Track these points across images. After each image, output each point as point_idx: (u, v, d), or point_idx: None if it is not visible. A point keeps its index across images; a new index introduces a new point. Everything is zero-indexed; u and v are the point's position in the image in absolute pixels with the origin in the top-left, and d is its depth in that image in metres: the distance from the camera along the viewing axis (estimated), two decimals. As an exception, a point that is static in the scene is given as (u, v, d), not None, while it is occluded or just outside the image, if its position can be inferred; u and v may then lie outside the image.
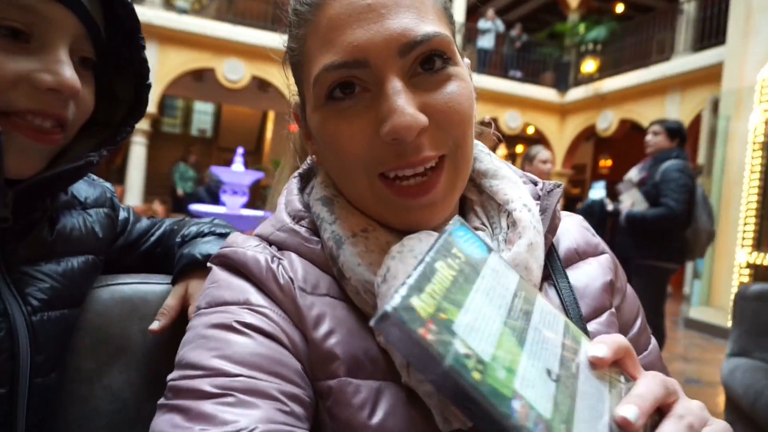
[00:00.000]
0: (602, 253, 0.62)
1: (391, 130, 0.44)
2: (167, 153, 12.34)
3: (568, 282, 0.55)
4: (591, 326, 0.54)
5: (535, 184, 0.60)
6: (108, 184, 0.83)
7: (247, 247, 0.52)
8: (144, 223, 0.86)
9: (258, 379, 0.42)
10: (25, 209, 0.62)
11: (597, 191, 3.72)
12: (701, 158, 7.05)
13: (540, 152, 3.61)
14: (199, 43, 9.06)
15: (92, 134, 0.67)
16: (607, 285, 0.58)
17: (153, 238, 0.83)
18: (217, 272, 0.53)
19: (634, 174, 3.40)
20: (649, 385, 0.34)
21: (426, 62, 0.47)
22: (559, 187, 0.58)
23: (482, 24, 10.94)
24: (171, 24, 8.86)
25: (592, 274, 0.59)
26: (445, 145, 0.48)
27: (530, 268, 0.49)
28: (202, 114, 14.55)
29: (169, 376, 0.44)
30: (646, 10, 11.19)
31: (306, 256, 0.53)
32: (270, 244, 0.55)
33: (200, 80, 10.79)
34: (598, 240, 0.63)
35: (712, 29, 8.16)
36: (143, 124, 9.02)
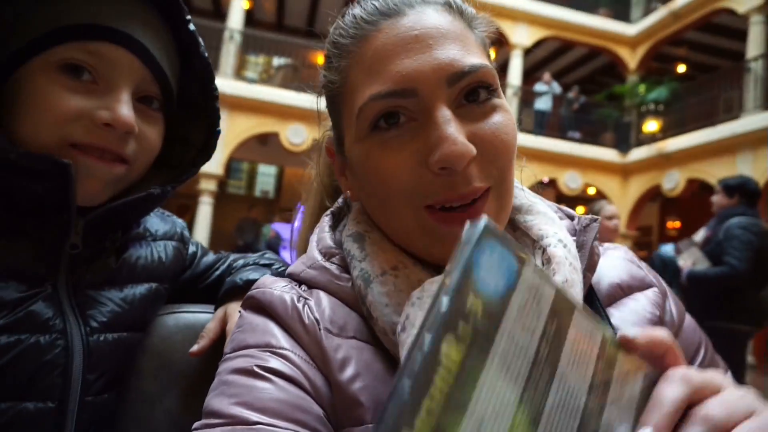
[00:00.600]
0: (649, 286, 0.59)
1: (442, 158, 0.43)
2: (232, 213, 12.91)
3: (611, 324, 0.52)
4: None
5: (572, 218, 0.58)
6: (180, 220, 0.88)
7: (275, 287, 0.52)
8: (210, 257, 0.89)
9: (277, 427, 0.41)
10: (94, 238, 0.67)
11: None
12: (780, 219, 6.61)
13: (604, 207, 3.50)
14: (265, 110, 9.61)
15: (162, 174, 0.73)
16: (654, 323, 0.55)
17: (217, 273, 0.86)
18: (244, 315, 0.53)
19: (700, 234, 3.30)
20: (666, 388, 0.31)
21: (471, 94, 0.47)
22: (595, 221, 0.55)
23: (538, 87, 11.06)
24: (241, 92, 9.48)
25: (639, 311, 0.55)
26: (491, 177, 0.47)
27: None
28: (266, 176, 15.21)
29: (194, 425, 0.44)
30: (709, 70, 10.99)
31: (336, 294, 0.52)
32: (300, 283, 0.54)
33: (265, 144, 11.37)
34: (644, 273, 0.60)
35: (783, 86, 7.88)
36: (210, 185, 9.52)
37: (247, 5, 10.72)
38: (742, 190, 3.15)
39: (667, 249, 3.67)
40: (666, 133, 10.13)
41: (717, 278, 3.00)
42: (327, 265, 0.54)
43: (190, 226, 10.12)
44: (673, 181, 9.73)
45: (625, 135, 11.03)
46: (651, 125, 10.38)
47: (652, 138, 10.29)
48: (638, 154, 10.62)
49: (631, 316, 0.55)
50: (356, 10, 0.51)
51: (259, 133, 9.97)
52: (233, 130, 9.60)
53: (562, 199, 11.71)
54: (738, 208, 3.11)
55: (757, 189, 3.19)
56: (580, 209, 13.83)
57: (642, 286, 0.58)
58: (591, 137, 11.31)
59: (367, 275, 0.49)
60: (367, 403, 0.44)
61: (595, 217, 0.56)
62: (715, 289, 3.03)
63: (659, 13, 10.50)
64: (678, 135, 9.69)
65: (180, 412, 0.69)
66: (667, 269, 3.31)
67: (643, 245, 12.96)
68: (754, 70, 8.41)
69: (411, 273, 0.49)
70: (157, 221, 0.82)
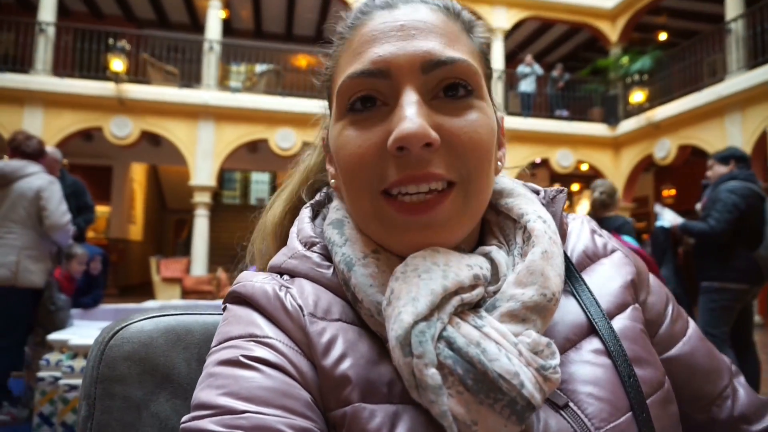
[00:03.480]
0: (613, 251, 0.61)
1: (397, 137, 0.44)
2: (228, 224, 12.91)
3: (585, 283, 0.54)
4: (616, 322, 0.53)
5: (537, 193, 0.60)
6: None
7: (255, 280, 0.53)
8: None
9: (265, 414, 0.41)
10: None
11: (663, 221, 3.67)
12: (774, 176, 6.63)
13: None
14: (252, 117, 9.62)
15: None
16: (629, 283, 0.57)
17: None
18: (229, 308, 0.53)
19: (699, 205, 3.48)
20: None
21: (449, 89, 0.48)
22: (561, 192, 0.58)
23: (521, 69, 11.05)
24: (226, 102, 9.49)
25: (606, 273, 0.57)
26: (456, 171, 0.47)
27: (546, 275, 0.47)
28: (260, 183, 15.24)
29: (183, 419, 0.44)
30: (691, 35, 10.99)
31: (318, 282, 0.52)
32: (282, 274, 0.55)
33: (255, 152, 11.38)
34: (605, 239, 0.62)
35: (765, 44, 7.88)
36: (204, 198, 9.52)
37: (224, 15, 10.68)
38: (734, 156, 3.33)
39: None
40: (653, 102, 10.14)
41: (697, 233, 3.25)
42: (308, 253, 0.54)
43: (189, 240, 10.12)
44: (665, 150, 9.75)
45: (613, 108, 11.04)
46: (637, 96, 10.38)
47: (640, 108, 10.30)
48: (627, 125, 10.64)
49: (599, 278, 0.56)
50: (359, 3, 0.54)
51: (248, 141, 9.97)
52: (222, 141, 9.60)
53: (555, 177, 11.72)
54: (731, 174, 3.28)
55: (745, 154, 3.38)
56: (575, 187, 13.80)
57: (605, 252, 0.60)
58: (579, 113, 11.33)
59: (349, 259, 0.49)
60: (356, 380, 0.45)
61: (562, 188, 0.58)
62: (699, 242, 3.29)
63: (635, -17, 10.50)
64: (665, 103, 9.71)
65: (167, 416, 0.68)
66: (667, 238, 3.45)
67: (641, 216, 12.99)
68: (734, 32, 8.41)
69: (391, 256, 0.49)
70: None
